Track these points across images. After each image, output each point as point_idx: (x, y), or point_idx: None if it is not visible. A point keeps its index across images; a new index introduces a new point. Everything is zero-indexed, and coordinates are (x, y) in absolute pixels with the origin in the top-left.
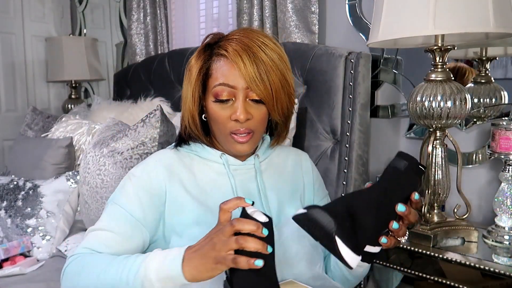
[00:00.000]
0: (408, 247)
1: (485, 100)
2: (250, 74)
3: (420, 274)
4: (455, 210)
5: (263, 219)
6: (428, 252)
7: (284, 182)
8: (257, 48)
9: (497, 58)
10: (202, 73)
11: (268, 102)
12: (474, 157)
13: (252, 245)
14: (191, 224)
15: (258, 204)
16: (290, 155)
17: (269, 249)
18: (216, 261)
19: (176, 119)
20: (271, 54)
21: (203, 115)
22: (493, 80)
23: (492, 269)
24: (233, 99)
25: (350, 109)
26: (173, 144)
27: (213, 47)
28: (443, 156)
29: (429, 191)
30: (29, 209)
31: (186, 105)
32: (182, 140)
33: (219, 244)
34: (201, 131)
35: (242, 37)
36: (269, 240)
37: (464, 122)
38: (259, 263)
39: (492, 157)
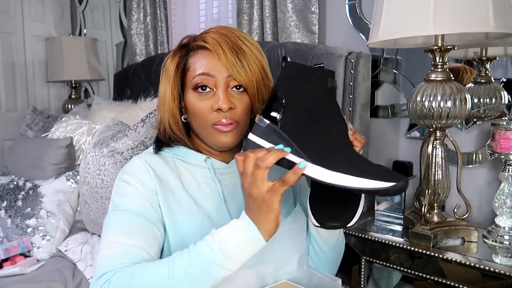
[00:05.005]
0: (408, 247)
1: (485, 100)
2: (230, 61)
3: (420, 274)
4: (455, 210)
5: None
6: (428, 252)
7: None
8: (235, 38)
9: (497, 58)
10: (180, 69)
11: (250, 90)
12: (474, 157)
13: (271, 158)
14: (181, 234)
15: None
16: None
17: (287, 149)
18: (268, 202)
19: None
20: (250, 46)
21: (183, 116)
22: (493, 80)
23: (492, 269)
24: (214, 89)
25: (350, 109)
26: (151, 148)
27: (190, 44)
28: (443, 156)
29: (429, 191)
30: (29, 209)
31: (165, 105)
32: (162, 144)
33: (256, 189)
34: (183, 131)
35: (219, 29)
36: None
37: (464, 122)
38: (302, 165)
39: (492, 157)
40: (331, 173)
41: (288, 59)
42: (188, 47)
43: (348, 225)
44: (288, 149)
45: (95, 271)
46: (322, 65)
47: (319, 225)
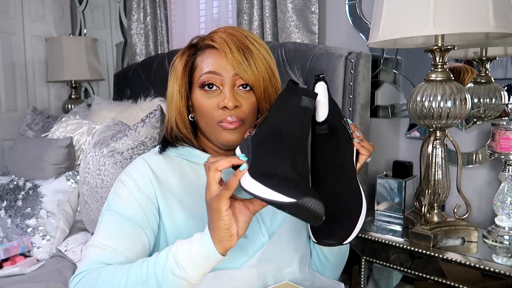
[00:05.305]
0: (408, 247)
1: (485, 100)
2: (237, 60)
3: (420, 274)
4: (455, 210)
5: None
6: (428, 252)
7: None
8: (243, 38)
9: (497, 58)
10: (188, 68)
11: (256, 89)
12: (474, 157)
13: (222, 162)
14: (182, 234)
15: None
16: None
17: (245, 158)
18: (215, 207)
19: None
20: (257, 46)
21: (190, 115)
22: (493, 80)
23: (492, 269)
24: (220, 88)
25: (350, 109)
26: (157, 148)
27: (198, 44)
28: (443, 156)
29: (429, 191)
30: (29, 209)
31: (172, 103)
32: (168, 143)
33: (209, 193)
34: (190, 130)
35: (227, 29)
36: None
37: (464, 122)
38: (242, 167)
39: (492, 157)
40: (252, 181)
41: (292, 82)
42: (197, 47)
43: (344, 243)
44: (245, 158)
45: (79, 269)
46: (323, 75)
47: (316, 241)
